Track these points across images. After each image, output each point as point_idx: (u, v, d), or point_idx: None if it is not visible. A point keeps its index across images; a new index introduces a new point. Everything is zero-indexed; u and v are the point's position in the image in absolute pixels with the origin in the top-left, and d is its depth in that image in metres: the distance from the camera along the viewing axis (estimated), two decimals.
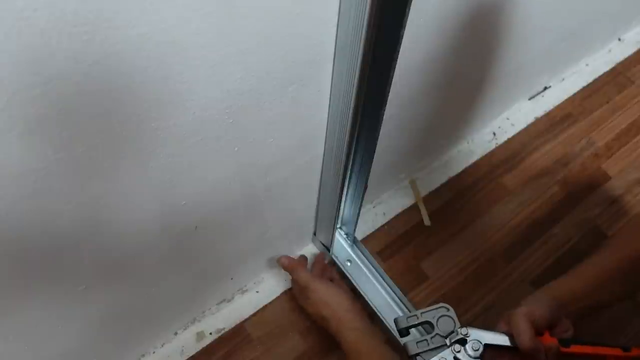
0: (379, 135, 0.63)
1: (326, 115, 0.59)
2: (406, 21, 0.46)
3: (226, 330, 0.81)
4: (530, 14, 0.79)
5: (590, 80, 1.16)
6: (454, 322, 0.63)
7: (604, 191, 1.01)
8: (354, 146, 0.60)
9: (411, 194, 0.97)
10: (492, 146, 1.05)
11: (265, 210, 0.69)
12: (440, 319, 0.64)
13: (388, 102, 0.57)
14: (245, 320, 0.82)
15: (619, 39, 1.23)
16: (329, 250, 0.85)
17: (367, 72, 0.48)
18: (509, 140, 1.06)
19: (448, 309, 0.64)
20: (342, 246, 0.87)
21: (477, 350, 0.61)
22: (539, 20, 0.83)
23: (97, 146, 0.41)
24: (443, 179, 1.00)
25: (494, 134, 1.06)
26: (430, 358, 0.61)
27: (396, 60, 0.51)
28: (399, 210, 0.96)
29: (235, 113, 0.48)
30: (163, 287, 0.66)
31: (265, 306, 0.84)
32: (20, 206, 0.40)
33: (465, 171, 1.02)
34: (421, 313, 0.64)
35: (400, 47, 0.49)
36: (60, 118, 0.36)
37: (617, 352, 0.58)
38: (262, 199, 0.66)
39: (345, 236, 0.87)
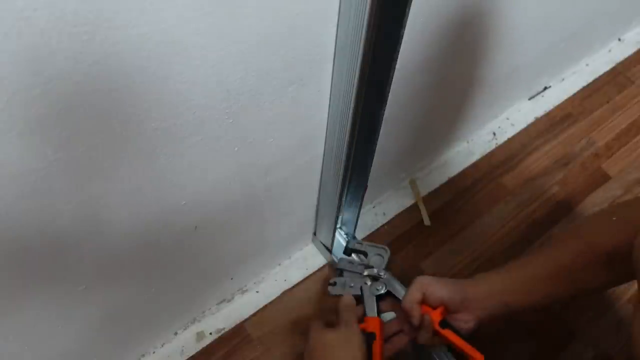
0: (379, 135, 0.63)
1: (326, 115, 0.59)
2: (406, 21, 0.47)
3: (226, 330, 0.81)
4: (530, 14, 0.79)
5: (590, 80, 1.16)
6: (383, 262, 0.76)
7: (604, 191, 1.01)
8: (354, 146, 0.60)
9: (411, 194, 0.97)
10: (492, 146, 1.05)
11: (265, 210, 0.69)
12: (375, 256, 0.77)
13: (388, 102, 0.57)
14: (245, 320, 0.82)
15: (619, 39, 1.23)
16: (329, 251, 0.85)
17: (367, 72, 0.48)
18: (509, 140, 1.07)
19: (386, 251, 0.77)
20: (342, 246, 0.87)
21: (379, 290, 0.72)
22: (539, 21, 0.83)
23: (97, 146, 0.41)
24: (443, 179, 1.00)
25: (494, 134, 1.07)
26: (346, 277, 0.75)
27: (396, 60, 0.51)
28: (399, 210, 0.96)
29: (235, 113, 0.49)
30: (163, 287, 0.66)
31: (265, 306, 0.84)
32: (20, 206, 0.40)
33: (465, 171, 1.02)
34: (366, 244, 0.79)
35: (400, 47, 0.50)
36: (60, 118, 0.36)
37: (479, 357, 0.62)
38: (262, 199, 0.66)
39: (345, 236, 0.87)
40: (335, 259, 0.83)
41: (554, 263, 0.63)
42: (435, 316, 0.65)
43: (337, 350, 0.65)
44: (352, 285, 0.75)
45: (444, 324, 0.65)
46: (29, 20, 0.29)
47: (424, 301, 0.66)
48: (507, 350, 0.82)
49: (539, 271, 0.63)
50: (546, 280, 0.63)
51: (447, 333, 0.64)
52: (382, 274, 0.75)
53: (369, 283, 0.74)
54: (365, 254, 0.79)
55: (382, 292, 0.73)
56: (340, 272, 0.78)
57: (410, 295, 0.66)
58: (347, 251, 0.82)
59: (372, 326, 0.68)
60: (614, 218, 0.61)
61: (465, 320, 0.64)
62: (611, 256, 0.58)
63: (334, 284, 0.76)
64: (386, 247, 0.78)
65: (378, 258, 0.78)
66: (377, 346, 0.66)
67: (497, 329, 0.83)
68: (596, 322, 0.84)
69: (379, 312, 0.72)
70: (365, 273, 0.75)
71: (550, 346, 0.83)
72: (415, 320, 0.65)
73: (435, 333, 0.65)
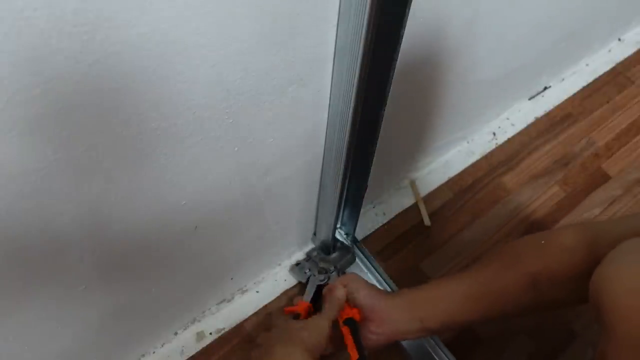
0: (379, 135, 0.63)
1: (326, 115, 0.59)
2: (406, 21, 0.47)
3: (226, 330, 0.81)
4: (530, 14, 0.79)
5: (590, 80, 1.16)
6: (338, 262, 0.83)
7: (604, 191, 1.01)
8: (354, 146, 0.60)
9: (411, 194, 0.97)
10: (492, 146, 1.05)
11: (265, 210, 0.69)
12: (338, 254, 0.84)
13: (388, 102, 0.57)
14: (245, 320, 0.82)
15: (619, 39, 1.23)
16: (330, 251, 0.85)
17: (367, 72, 0.48)
18: (509, 140, 1.06)
19: (348, 253, 0.84)
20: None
21: (322, 281, 0.80)
22: (539, 21, 0.83)
23: (97, 146, 0.41)
24: (443, 179, 1.00)
25: (494, 134, 1.06)
26: (308, 263, 0.84)
27: (396, 60, 0.51)
28: (399, 210, 0.95)
29: (235, 113, 0.48)
30: (163, 287, 0.66)
31: (265, 306, 0.84)
32: (20, 206, 0.40)
33: (465, 171, 1.02)
34: (339, 243, 0.85)
35: (400, 47, 0.50)
36: (60, 118, 0.36)
37: (354, 357, 0.63)
38: (262, 199, 0.66)
39: (345, 236, 0.87)
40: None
41: (475, 281, 0.62)
42: (347, 311, 0.66)
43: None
44: (306, 272, 0.82)
45: (349, 321, 0.65)
46: (29, 20, 0.29)
47: (346, 299, 0.67)
48: (506, 350, 0.82)
49: (459, 288, 0.62)
50: (465, 299, 0.61)
51: (345, 330, 0.65)
52: (331, 269, 0.81)
53: (316, 275, 0.81)
54: (334, 249, 0.84)
55: (323, 282, 0.79)
56: (308, 257, 0.86)
57: (333, 285, 0.69)
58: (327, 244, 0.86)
59: (300, 308, 0.73)
60: (542, 241, 0.61)
61: (375, 332, 0.64)
62: (535, 277, 0.58)
63: (298, 264, 0.85)
64: (353, 254, 0.84)
65: (338, 256, 0.84)
66: None
67: (497, 328, 0.83)
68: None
69: (315, 302, 0.76)
70: (321, 265, 0.82)
71: (550, 346, 0.83)
72: (333, 295, 0.67)
73: (337, 326, 0.66)
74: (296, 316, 0.72)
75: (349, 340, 0.64)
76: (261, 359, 0.58)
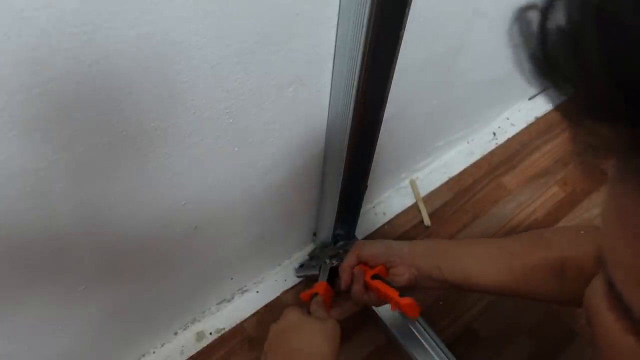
0: (379, 135, 0.63)
1: (326, 115, 0.59)
2: (406, 21, 0.47)
3: (226, 330, 0.81)
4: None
5: None
6: (347, 245, 0.83)
7: (604, 191, 1.00)
8: (354, 146, 0.60)
9: (411, 194, 0.97)
10: (492, 146, 1.05)
11: (265, 210, 0.69)
12: (342, 242, 0.84)
13: (388, 102, 0.57)
14: (245, 320, 0.82)
15: None
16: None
17: (367, 72, 0.48)
18: (509, 140, 1.06)
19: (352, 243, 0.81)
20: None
21: (334, 263, 0.79)
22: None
23: (97, 146, 0.41)
24: (443, 179, 1.00)
25: (494, 134, 1.06)
26: (313, 261, 0.84)
27: (396, 60, 0.51)
28: (399, 210, 0.96)
29: (235, 113, 0.49)
30: (163, 287, 0.66)
31: (265, 306, 0.84)
32: (20, 206, 0.40)
33: (465, 171, 1.02)
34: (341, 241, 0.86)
35: (400, 47, 0.50)
36: (60, 118, 0.36)
37: (395, 294, 0.64)
38: (262, 199, 0.66)
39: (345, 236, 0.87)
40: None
41: (502, 251, 0.60)
42: (370, 271, 0.67)
43: (314, 336, 0.61)
44: (315, 265, 0.82)
45: (375, 277, 0.66)
46: (29, 20, 0.29)
47: (365, 264, 0.68)
48: (506, 350, 0.82)
49: (485, 251, 0.61)
50: (488, 263, 0.60)
51: (376, 283, 0.66)
52: (341, 251, 0.81)
53: (327, 261, 0.80)
54: (336, 242, 0.85)
55: (335, 264, 0.79)
56: (310, 257, 0.86)
57: (345, 261, 0.69)
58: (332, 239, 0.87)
59: (318, 287, 0.74)
60: (582, 232, 0.59)
61: (400, 274, 0.64)
62: (564, 264, 0.56)
63: (302, 266, 0.85)
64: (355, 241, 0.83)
65: (344, 244, 0.84)
66: None
67: (497, 328, 0.83)
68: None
69: (334, 285, 0.76)
70: (330, 253, 0.82)
71: (550, 346, 0.83)
72: (343, 283, 0.69)
73: (368, 288, 0.67)
74: (315, 295, 0.72)
75: (388, 289, 0.64)
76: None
